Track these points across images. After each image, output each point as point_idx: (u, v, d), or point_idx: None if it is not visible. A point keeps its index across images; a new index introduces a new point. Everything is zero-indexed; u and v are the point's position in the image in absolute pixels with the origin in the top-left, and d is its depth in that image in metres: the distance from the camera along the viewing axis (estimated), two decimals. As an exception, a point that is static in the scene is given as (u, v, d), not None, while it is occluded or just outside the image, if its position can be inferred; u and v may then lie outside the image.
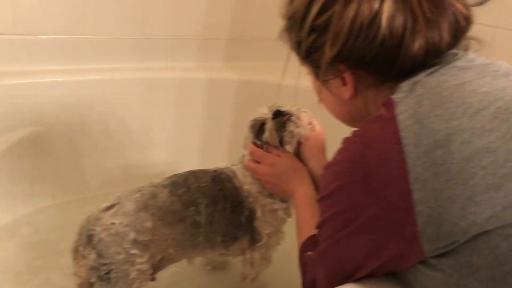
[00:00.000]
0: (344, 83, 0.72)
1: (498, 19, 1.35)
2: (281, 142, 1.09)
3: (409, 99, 0.62)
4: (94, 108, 1.62)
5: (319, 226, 0.72)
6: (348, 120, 0.81)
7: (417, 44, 0.64)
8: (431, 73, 0.65)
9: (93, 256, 0.97)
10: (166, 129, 1.81)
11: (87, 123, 1.62)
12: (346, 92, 0.73)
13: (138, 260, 0.99)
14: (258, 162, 1.11)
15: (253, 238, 1.15)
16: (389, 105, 0.64)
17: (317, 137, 1.08)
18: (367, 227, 0.63)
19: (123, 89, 1.67)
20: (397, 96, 0.64)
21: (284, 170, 1.06)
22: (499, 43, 1.35)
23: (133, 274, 0.98)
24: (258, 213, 1.12)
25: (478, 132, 0.58)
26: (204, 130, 1.88)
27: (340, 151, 0.68)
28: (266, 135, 1.10)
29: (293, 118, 1.09)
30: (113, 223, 0.98)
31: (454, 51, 0.69)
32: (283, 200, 1.14)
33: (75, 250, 1.01)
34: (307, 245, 0.84)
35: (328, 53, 0.68)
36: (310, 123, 1.09)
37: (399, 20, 0.63)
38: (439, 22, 0.65)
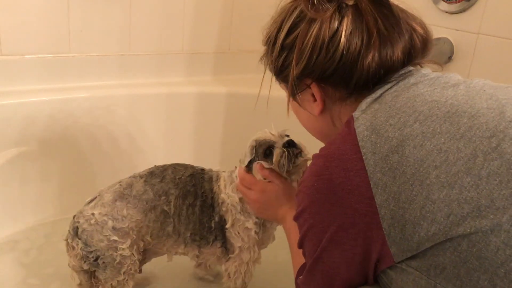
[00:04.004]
0: (314, 99, 0.79)
1: (480, 25, 1.37)
2: (287, 171, 1.07)
3: (366, 114, 0.68)
4: (83, 126, 1.62)
5: (300, 244, 0.76)
6: (319, 135, 0.87)
7: (370, 58, 0.70)
8: (386, 90, 0.71)
9: (80, 245, 1.08)
10: (157, 144, 1.81)
11: (76, 140, 1.62)
12: (316, 107, 0.80)
13: (120, 246, 1.07)
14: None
15: (226, 248, 1.16)
16: (349, 122, 0.69)
17: None
18: (339, 237, 0.66)
19: (113, 106, 1.67)
20: (356, 113, 0.70)
21: (276, 196, 1.07)
22: (481, 49, 1.38)
23: (118, 259, 1.07)
24: (228, 225, 1.13)
25: (429, 135, 0.61)
26: (194, 144, 1.88)
27: (309, 168, 0.72)
28: (275, 160, 1.07)
29: (303, 153, 1.08)
30: (92, 214, 1.08)
31: (409, 68, 0.74)
32: (257, 223, 1.13)
33: (66, 243, 1.12)
34: (301, 271, 0.85)
35: (295, 68, 0.75)
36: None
37: (356, 37, 0.71)
38: (393, 40, 0.72)
